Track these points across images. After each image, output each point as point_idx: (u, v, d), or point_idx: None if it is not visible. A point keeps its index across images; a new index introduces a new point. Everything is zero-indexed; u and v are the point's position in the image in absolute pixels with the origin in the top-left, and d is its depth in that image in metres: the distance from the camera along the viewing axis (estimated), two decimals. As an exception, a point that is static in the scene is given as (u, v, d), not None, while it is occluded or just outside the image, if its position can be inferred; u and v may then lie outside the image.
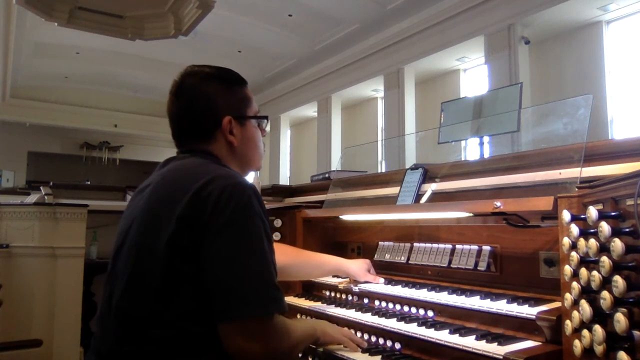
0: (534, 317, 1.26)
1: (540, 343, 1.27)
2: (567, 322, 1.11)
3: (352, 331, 1.66)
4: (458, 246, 1.71)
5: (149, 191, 1.26)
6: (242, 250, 1.14)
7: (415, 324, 1.52)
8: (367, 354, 1.53)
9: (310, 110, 11.58)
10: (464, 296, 1.51)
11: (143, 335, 1.14)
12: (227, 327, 1.12)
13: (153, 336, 1.13)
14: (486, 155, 2.73)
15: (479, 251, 1.64)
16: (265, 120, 1.47)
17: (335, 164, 9.38)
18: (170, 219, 1.15)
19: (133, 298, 1.17)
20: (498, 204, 1.37)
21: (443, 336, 1.39)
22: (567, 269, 1.12)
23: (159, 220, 1.18)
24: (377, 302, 1.83)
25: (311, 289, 2.20)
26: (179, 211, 1.14)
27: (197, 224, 1.13)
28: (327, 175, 2.95)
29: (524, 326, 1.33)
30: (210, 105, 1.34)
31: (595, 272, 0.98)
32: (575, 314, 1.07)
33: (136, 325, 1.15)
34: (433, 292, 1.61)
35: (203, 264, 1.13)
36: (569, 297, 1.11)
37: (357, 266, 1.93)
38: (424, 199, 1.93)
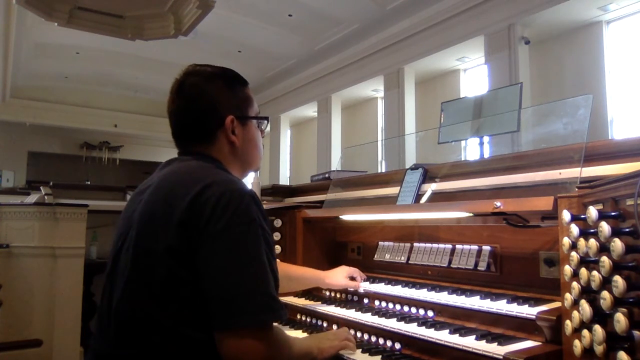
0: (534, 317, 1.26)
1: (540, 343, 1.27)
2: (567, 322, 1.11)
3: (352, 331, 1.66)
4: (458, 246, 1.71)
5: (148, 193, 1.25)
6: (239, 258, 1.12)
7: (415, 324, 1.52)
8: (367, 354, 1.53)
9: (310, 110, 11.58)
10: (464, 296, 1.51)
11: (141, 340, 1.13)
12: (223, 335, 1.10)
13: (151, 341, 1.12)
14: (486, 155, 2.73)
15: (479, 251, 1.64)
16: (266, 122, 1.46)
17: (335, 164, 9.38)
18: (169, 223, 1.14)
19: (131, 302, 1.16)
20: (498, 204, 1.37)
21: (443, 336, 1.39)
22: (567, 269, 1.12)
23: (157, 224, 1.17)
24: (377, 302, 1.83)
25: (311, 289, 2.19)
26: (178, 216, 1.13)
27: (194, 229, 1.12)
28: (327, 175, 2.95)
29: (524, 326, 1.33)
30: (213, 103, 1.33)
31: (595, 272, 0.98)
32: (575, 314, 1.07)
33: (134, 329, 1.14)
34: (433, 292, 1.61)
35: (200, 270, 1.11)
36: (569, 297, 1.11)
37: (334, 277, 1.94)
38: (424, 199, 1.93)
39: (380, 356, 1.51)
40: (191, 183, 1.18)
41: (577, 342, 1.05)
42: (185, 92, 1.34)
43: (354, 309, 1.79)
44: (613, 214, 0.99)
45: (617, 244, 0.90)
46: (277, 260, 2.02)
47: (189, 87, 1.34)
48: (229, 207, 1.13)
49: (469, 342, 1.31)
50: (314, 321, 1.95)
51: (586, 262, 1.06)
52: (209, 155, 1.33)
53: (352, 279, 1.93)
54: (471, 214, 1.57)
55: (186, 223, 1.12)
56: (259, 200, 1.22)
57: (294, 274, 1.99)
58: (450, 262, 1.72)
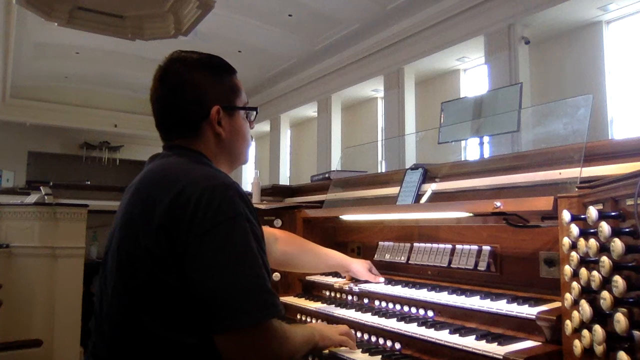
0: (534, 317, 1.25)
1: (540, 343, 1.27)
2: (567, 322, 1.11)
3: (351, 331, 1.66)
4: (458, 246, 1.71)
5: (129, 194, 1.21)
6: (230, 257, 1.07)
7: (415, 324, 1.52)
8: (367, 354, 1.52)
9: (310, 110, 11.58)
10: (464, 296, 1.51)
11: (133, 346, 1.10)
12: (223, 338, 1.07)
13: (143, 347, 1.09)
14: (486, 155, 2.73)
15: (479, 251, 1.63)
16: (255, 112, 1.39)
17: (335, 164, 9.38)
18: (149, 227, 1.09)
19: (120, 307, 1.12)
20: (498, 204, 1.37)
21: (443, 336, 1.38)
22: (567, 269, 1.12)
23: (137, 228, 1.12)
24: (377, 302, 1.83)
25: (311, 289, 2.19)
26: (157, 220, 1.08)
27: (177, 233, 1.07)
28: (327, 175, 2.95)
29: (524, 326, 1.33)
30: (198, 93, 1.25)
31: (595, 272, 0.98)
32: (575, 314, 1.07)
33: (126, 335, 1.11)
34: (433, 292, 1.60)
35: (189, 274, 1.06)
36: (569, 297, 1.11)
37: (360, 265, 1.92)
38: (424, 199, 1.93)
39: (380, 356, 1.51)
40: (169, 183, 1.12)
41: (577, 342, 1.05)
42: (169, 80, 1.27)
43: (354, 309, 1.79)
44: (613, 214, 0.98)
45: (617, 244, 0.89)
46: (302, 237, 2.01)
47: (172, 75, 1.27)
48: (211, 204, 1.08)
49: (469, 342, 1.31)
50: (313, 321, 1.95)
51: (586, 262, 1.06)
52: (193, 149, 1.26)
53: None
54: (471, 214, 1.57)
55: (167, 227, 1.08)
56: (243, 192, 1.16)
57: (320, 253, 1.94)
58: (450, 262, 1.72)
